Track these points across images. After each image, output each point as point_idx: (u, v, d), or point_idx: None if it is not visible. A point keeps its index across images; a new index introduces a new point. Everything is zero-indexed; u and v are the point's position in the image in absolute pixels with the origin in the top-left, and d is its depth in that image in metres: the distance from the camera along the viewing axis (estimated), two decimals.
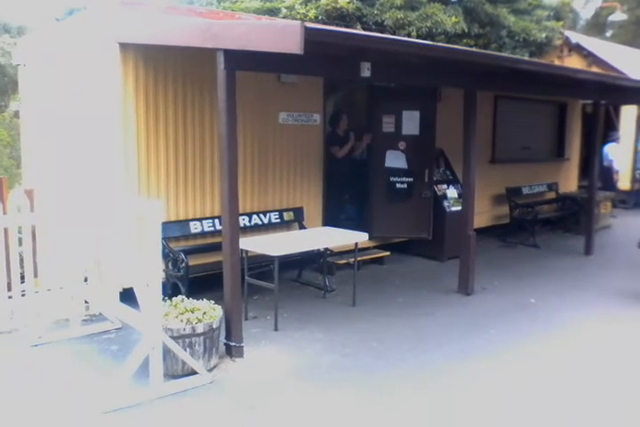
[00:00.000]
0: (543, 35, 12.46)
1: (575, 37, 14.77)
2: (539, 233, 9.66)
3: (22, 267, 5.50)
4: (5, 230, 5.35)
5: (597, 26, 26.87)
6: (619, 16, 19.85)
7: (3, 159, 13.46)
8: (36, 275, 5.54)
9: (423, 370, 4.72)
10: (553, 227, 10.64)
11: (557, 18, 13.80)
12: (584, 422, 3.95)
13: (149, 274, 4.27)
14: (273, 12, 11.71)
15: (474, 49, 9.65)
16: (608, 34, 26.52)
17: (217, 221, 6.41)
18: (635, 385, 4.51)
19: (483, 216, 9.34)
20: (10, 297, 5.43)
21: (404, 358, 4.94)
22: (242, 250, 5.30)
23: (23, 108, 8.20)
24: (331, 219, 7.70)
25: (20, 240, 5.51)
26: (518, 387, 4.44)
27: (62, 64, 6.69)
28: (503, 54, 9.22)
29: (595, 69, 12.82)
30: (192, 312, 4.61)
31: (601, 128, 9.71)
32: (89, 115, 6.24)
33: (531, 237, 9.52)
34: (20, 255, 5.50)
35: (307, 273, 7.25)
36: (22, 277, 5.49)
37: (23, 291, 5.49)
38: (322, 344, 5.22)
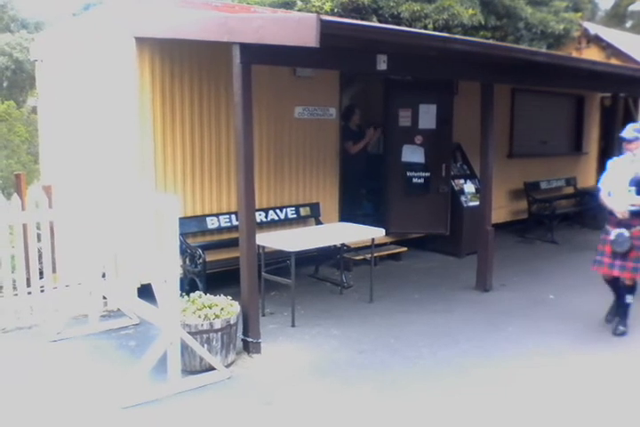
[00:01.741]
0: (561, 26, 12.31)
1: (594, 29, 14.55)
2: (556, 228, 9.56)
3: (41, 263, 5.53)
4: (24, 226, 5.38)
5: (617, 16, 26.51)
6: (639, 6, 19.56)
7: (21, 155, 13.57)
8: (54, 271, 5.56)
9: (440, 367, 4.69)
10: (571, 222, 10.53)
11: (576, 9, 13.64)
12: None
13: (167, 270, 4.27)
14: (288, 5, 11.67)
15: (491, 41, 9.54)
16: (628, 24, 26.16)
17: (233, 216, 6.41)
18: None
19: (500, 211, 9.26)
20: (29, 293, 5.46)
21: (420, 356, 4.92)
22: (258, 246, 5.29)
23: (41, 103, 8.24)
24: (347, 214, 7.67)
25: (38, 236, 5.54)
26: (537, 386, 4.40)
27: (79, 59, 6.70)
28: (520, 46, 9.11)
29: (614, 61, 12.64)
30: (210, 308, 4.61)
31: (620, 121, 9.59)
32: (106, 110, 6.25)
33: (549, 233, 9.44)
34: (39, 251, 5.52)
35: (323, 269, 7.24)
36: (41, 273, 5.52)
37: (42, 287, 5.52)
38: (338, 341, 5.21)
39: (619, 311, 5.52)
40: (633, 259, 5.17)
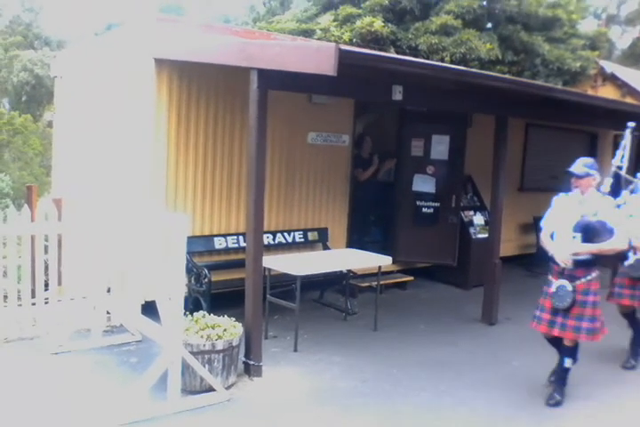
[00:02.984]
0: (578, 64, 12.39)
1: (610, 67, 14.66)
2: None
3: (47, 275, 5.54)
4: (32, 238, 5.41)
5: (633, 56, 26.67)
6: None
7: (34, 167, 13.70)
8: (59, 283, 5.58)
9: (442, 400, 4.64)
10: None
11: (593, 47, 13.72)
12: None
13: (172, 288, 4.27)
14: (308, 34, 11.84)
15: (507, 76, 9.62)
16: None
17: (241, 237, 6.42)
18: None
19: (509, 245, 9.22)
20: (33, 304, 5.47)
21: (423, 388, 4.86)
22: (265, 268, 5.29)
23: (57, 118, 8.36)
24: (355, 241, 7.67)
25: (45, 248, 5.57)
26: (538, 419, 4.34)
27: (98, 77, 6.81)
28: (537, 82, 9.18)
29: (629, 100, 12.70)
30: (213, 328, 4.59)
31: (633, 159, 9.58)
32: (121, 128, 6.33)
33: None
34: (45, 263, 5.55)
35: (328, 294, 7.20)
36: (46, 285, 5.53)
37: (46, 299, 5.53)
38: (341, 368, 5.16)
39: (556, 377, 4.80)
40: (575, 316, 4.47)
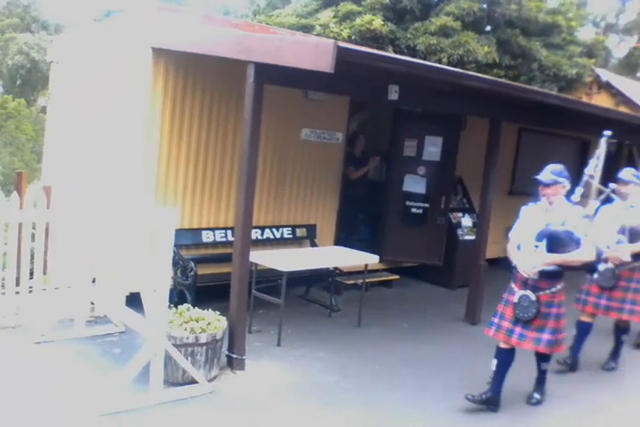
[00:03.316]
0: (574, 71, 12.44)
1: (606, 75, 14.74)
2: None
3: (32, 263, 5.51)
4: (20, 225, 5.38)
5: (629, 65, 26.83)
6: None
7: (25, 153, 13.61)
8: (45, 272, 5.55)
9: (422, 396, 4.67)
10: None
11: (590, 55, 13.78)
12: None
13: (158, 280, 4.27)
14: (307, 29, 11.82)
15: (503, 80, 9.65)
16: (639, 74, 26.45)
17: (229, 232, 6.41)
18: None
19: (495, 247, 9.22)
20: (17, 292, 5.44)
21: (404, 384, 4.90)
22: (251, 263, 5.30)
23: (51, 104, 8.29)
24: (343, 238, 7.68)
25: (32, 236, 5.53)
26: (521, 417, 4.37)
27: (95, 64, 6.77)
28: (532, 87, 9.21)
29: (622, 109, 12.77)
30: (197, 322, 4.60)
31: (623, 168, 9.64)
32: (115, 116, 6.29)
33: None
34: (32, 251, 5.51)
35: (314, 291, 7.22)
36: (31, 274, 5.50)
37: (31, 287, 5.49)
38: (323, 363, 5.19)
39: (536, 378, 4.82)
40: (536, 328, 4.34)
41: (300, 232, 7.13)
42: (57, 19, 23.06)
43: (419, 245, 8.05)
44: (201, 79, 6.17)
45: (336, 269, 6.69)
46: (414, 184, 8.05)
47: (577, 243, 4.24)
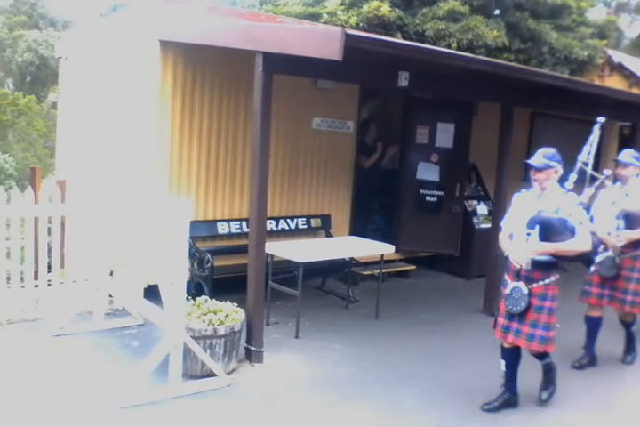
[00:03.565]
0: (585, 53, 12.27)
1: (618, 57, 14.52)
2: None
3: (50, 257, 5.55)
4: (36, 220, 5.41)
5: None
6: None
7: (38, 149, 13.67)
8: (62, 265, 5.58)
9: (441, 389, 4.65)
10: None
11: (601, 36, 13.58)
12: None
13: (175, 272, 4.27)
14: (314, 17, 11.72)
15: (514, 64, 9.55)
16: None
17: (244, 223, 6.41)
18: None
19: None
20: (36, 286, 5.48)
21: (422, 376, 4.87)
22: (267, 254, 5.29)
23: (61, 99, 8.31)
24: (358, 228, 7.65)
25: (49, 230, 5.57)
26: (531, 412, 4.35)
27: (103, 59, 6.76)
28: (543, 71, 9.11)
29: (636, 90, 12.61)
30: (215, 313, 4.61)
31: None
32: (125, 110, 6.29)
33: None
34: (49, 245, 5.55)
35: (330, 282, 7.21)
36: (49, 267, 5.54)
37: (49, 281, 5.54)
38: (341, 356, 5.18)
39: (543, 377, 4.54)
40: (530, 322, 4.10)
41: (314, 222, 7.11)
42: (64, 15, 23.07)
43: (434, 234, 8.00)
44: (210, 71, 6.15)
45: (352, 259, 6.67)
46: (428, 172, 8.00)
47: (572, 231, 3.98)
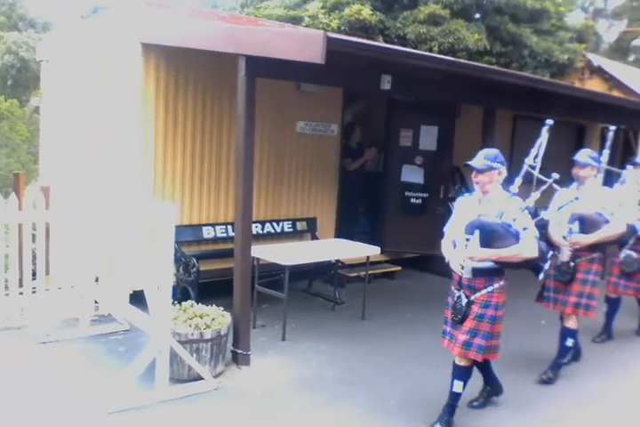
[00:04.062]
0: (565, 56, 12.42)
1: (597, 60, 14.72)
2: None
3: (34, 264, 5.51)
4: (20, 226, 5.38)
5: (620, 50, 26.85)
6: None
7: (21, 154, 13.52)
8: (47, 272, 5.55)
9: (427, 388, 4.68)
10: None
11: (580, 40, 13.75)
12: None
13: (161, 277, 4.27)
14: (296, 21, 11.74)
15: (495, 67, 9.63)
16: (631, 58, 26.48)
17: (230, 227, 6.41)
18: None
19: None
20: (21, 293, 5.44)
21: (409, 375, 4.91)
22: (253, 258, 5.30)
23: (44, 103, 8.25)
24: (343, 231, 7.68)
25: (33, 237, 5.53)
26: (525, 405, 4.39)
27: (85, 62, 6.74)
28: (524, 73, 9.20)
29: (615, 93, 12.77)
30: (201, 318, 4.60)
31: (619, 153, 9.65)
32: (108, 114, 6.27)
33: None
34: (33, 252, 5.51)
35: (317, 284, 7.22)
36: (34, 274, 5.50)
37: (34, 288, 5.50)
38: (328, 357, 5.20)
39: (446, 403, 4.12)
40: (469, 330, 3.87)
41: (300, 226, 7.13)
42: (44, 16, 22.85)
43: (419, 235, 8.03)
44: (193, 74, 6.15)
45: (338, 261, 6.69)
46: (412, 174, 8.05)
47: (515, 237, 3.76)
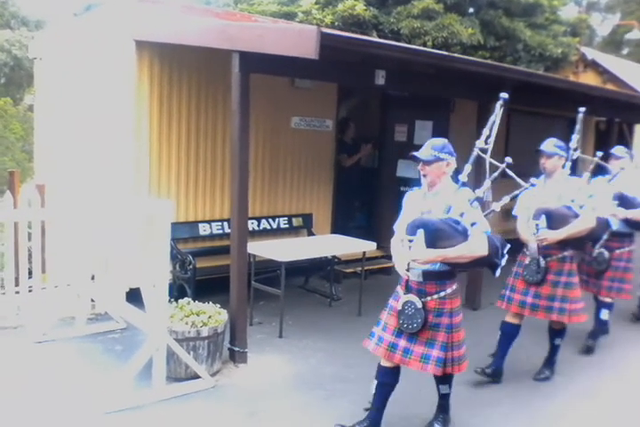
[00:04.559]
0: (559, 50, 12.44)
1: (591, 54, 14.76)
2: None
3: (30, 262, 5.49)
4: (15, 225, 5.36)
5: (614, 43, 26.89)
6: (635, 34, 19.81)
7: (15, 152, 13.47)
8: (43, 271, 5.53)
9: (426, 383, 4.66)
10: None
11: (574, 34, 13.78)
12: None
13: (157, 275, 4.26)
14: (290, 16, 11.73)
15: (489, 61, 9.63)
16: (624, 51, 26.53)
17: (226, 224, 6.40)
18: None
19: (492, 230, 9.28)
20: (17, 292, 5.43)
21: (406, 371, 4.87)
22: (249, 254, 5.29)
23: (38, 101, 8.23)
24: (340, 226, 7.67)
25: (29, 235, 5.51)
26: (518, 403, 4.40)
27: (78, 59, 6.71)
28: (518, 68, 9.21)
29: (609, 86, 12.79)
30: (197, 315, 4.59)
31: (614, 146, 9.66)
32: (103, 111, 6.25)
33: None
34: (29, 251, 5.50)
35: (313, 280, 7.21)
36: (30, 273, 5.49)
37: (30, 287, 5.48)
38: (325, 354, 5.19)
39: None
40: (425, 342, 3.53)
41: (296, 222, 7.12)
42: (36, 14, 22.74)
43: None
44: (187, 71, 6.12)
45: (334, 257, 6.69)
46: (408, 169, 8.02)
47: (464, 234, 3.44)
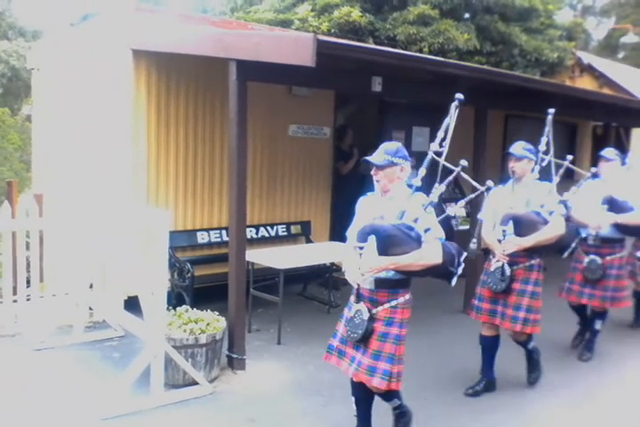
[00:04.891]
0: (555, 55, 12.49)
1: (587, 58, 14.80)
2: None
3: (28, 271, 5.50)
4: (13, 234, 5.36)
5: (609, 47, 26.98)
6: (631, 38, 19.86)
7: (14, 162, 13.52)
8: (41, 280, 5.54)
9: (424, 389, 4.68)
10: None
11: (569, 38, 13.83)
12: None
13: (155, 283, 4.27)
14: (286, 24, 11.78)
15: (485, 67, 9.67)
16: (620, 55, 26.62)
17: (224, 232, 6.41)
18: None
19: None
20: (15, 301, 5.43)
21: (405, 376, 4.87)
22: (248, 262, 5.30)
23: (35, 112, 8.25)
24: (338, 233, 7.65)
25: (27, 244, 5.52)
26: (516, 407, 4.40)
27: (75, 69, 6.74)
28: (514, 73, 9.23)
29: (606, 91, 12.83)
30: (196, 323, 4.60)
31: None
32: (100, 121, 6.27)
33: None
34: (27, 260, 5.50)
35: (312, 287, 7.21)
36: (28, 282, 5.49)
37: (28, 295, 5.48)
38: (324, 360, 5.16)
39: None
40: (372, 353, 3.37)
41: (294, 229, 7.13)
42: (33, 25, 22.83)
43: None
44: (184, 80, 6.15)
45: (333, 264, 6.69)
46: None
47: (417, 241, 3.31)
